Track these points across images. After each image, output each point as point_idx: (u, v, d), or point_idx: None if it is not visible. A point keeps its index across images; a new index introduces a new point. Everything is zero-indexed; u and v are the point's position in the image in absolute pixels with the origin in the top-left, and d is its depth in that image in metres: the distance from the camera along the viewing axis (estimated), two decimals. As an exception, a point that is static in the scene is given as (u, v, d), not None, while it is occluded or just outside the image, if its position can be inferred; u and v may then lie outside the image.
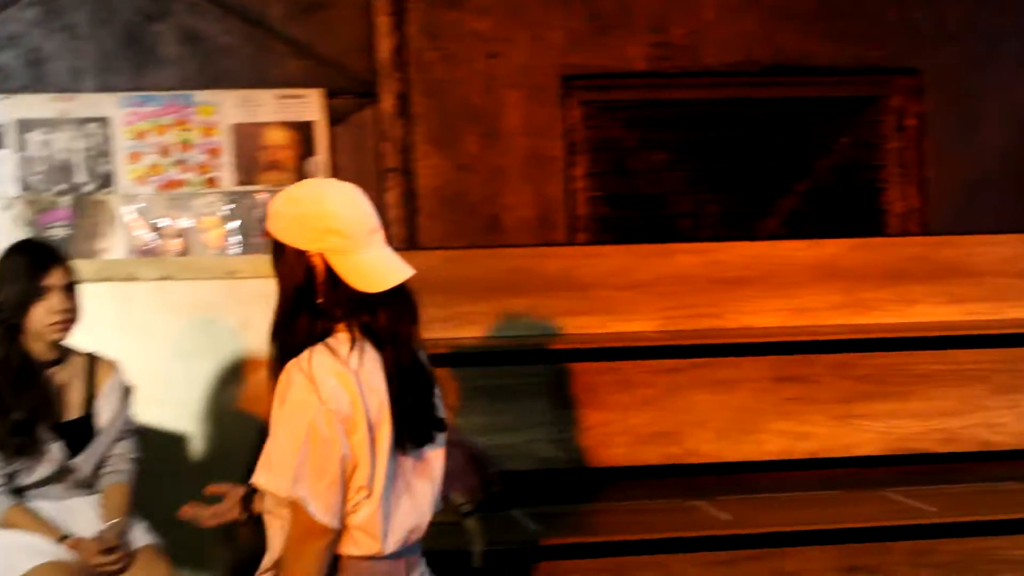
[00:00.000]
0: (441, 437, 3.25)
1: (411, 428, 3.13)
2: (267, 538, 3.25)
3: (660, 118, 6.61)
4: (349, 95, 6.38)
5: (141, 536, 4.27)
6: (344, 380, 3.03)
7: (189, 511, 3.51)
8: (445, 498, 4.69)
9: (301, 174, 6.23)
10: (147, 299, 5.94)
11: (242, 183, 6.20)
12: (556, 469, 5.50)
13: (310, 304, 3.12)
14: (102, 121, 6.11)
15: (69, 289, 4.27)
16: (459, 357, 5.55)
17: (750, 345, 5.64)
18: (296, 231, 3.12)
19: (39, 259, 4.25)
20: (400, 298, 3.16)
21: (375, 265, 3.12)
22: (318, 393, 3.00)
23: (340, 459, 3.02)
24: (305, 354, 3.05)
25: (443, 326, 5.75)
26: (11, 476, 4.22)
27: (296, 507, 3.04)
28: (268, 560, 3.22)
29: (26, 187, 6.06)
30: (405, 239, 6.33)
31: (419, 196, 6.38)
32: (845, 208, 6.67)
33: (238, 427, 5.15)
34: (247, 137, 6.22)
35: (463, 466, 5.05)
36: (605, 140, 6.57)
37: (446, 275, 5.86)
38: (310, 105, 6.28)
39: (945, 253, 6.13)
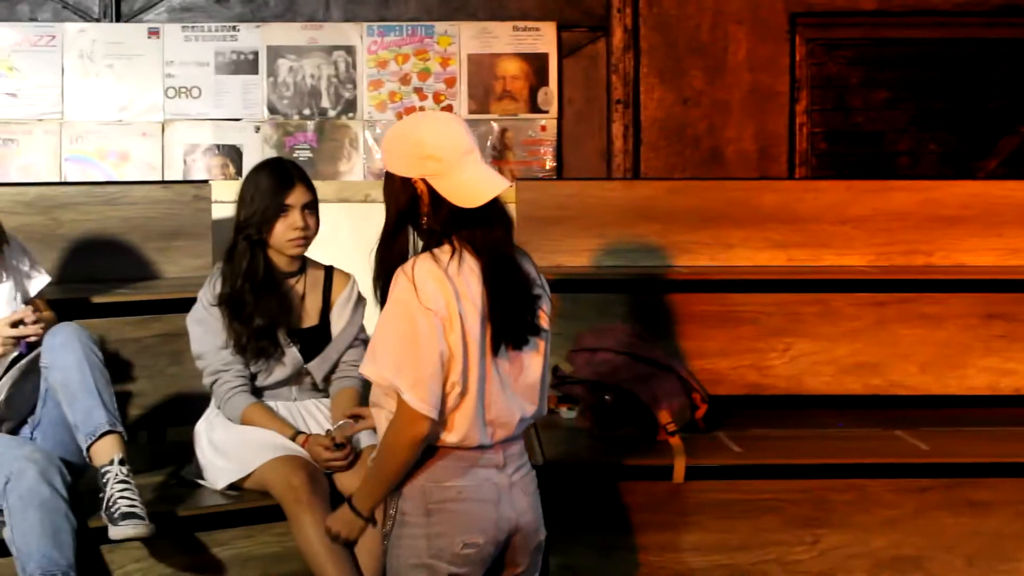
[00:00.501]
0: (536, 341, 3.58)
1: (507, 332, 3.48)
2: (376, 430, 3.65)
3: (884, 57, 6.65)
4: (581, 28, 6.60)
5: (366, 437, 4.62)
6: (441, 285, 3.40)
7: None
8: (650, 415, 5.05)
9: (533, 104, 6.48)
10: (382, 220, 6.30)
11: (476, 111, 6.47)
12: (761, 396, 5.75)
13: (414, 226, 3.52)
14: (347, 50, 6.44)
15: (309, 207, 4.63)
16: (673, 284, 5.81)
17: (957, 282, 5.77)
18: (400, 161, 3.50)
19: (282, 178, 4.59)
20: (495, 212, 3.50)
21: (472, 183, 3.46)
22: (418, 295, 3.36)
23: (438, 354, 3.38)
24: (411, 260, 3.44)
25: (660, 254, 6.01)
26: (251, 377, 4.61)
27: (398, 397, 3.40)
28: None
29: (274, 111, 6.42)
30: (628, 169, 6.53)
31: (644, 128, 6.56)
32: (1067, 150, 6.70)
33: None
34: (482, 67, 6.48)
35: (672, 387, 5.31)
36: (828, 77, 6.65)
37: (666, 205, 6.11)
38: (543, 37, 6.51)
39: None
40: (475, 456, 3.55)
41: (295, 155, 6.34)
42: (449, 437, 3.51)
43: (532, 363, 3.64)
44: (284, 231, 4.57)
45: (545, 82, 6.50)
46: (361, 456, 4.52)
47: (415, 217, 3.51)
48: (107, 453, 4.25)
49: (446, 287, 3.43)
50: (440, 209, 3.47)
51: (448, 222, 3.48)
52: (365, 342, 4.79)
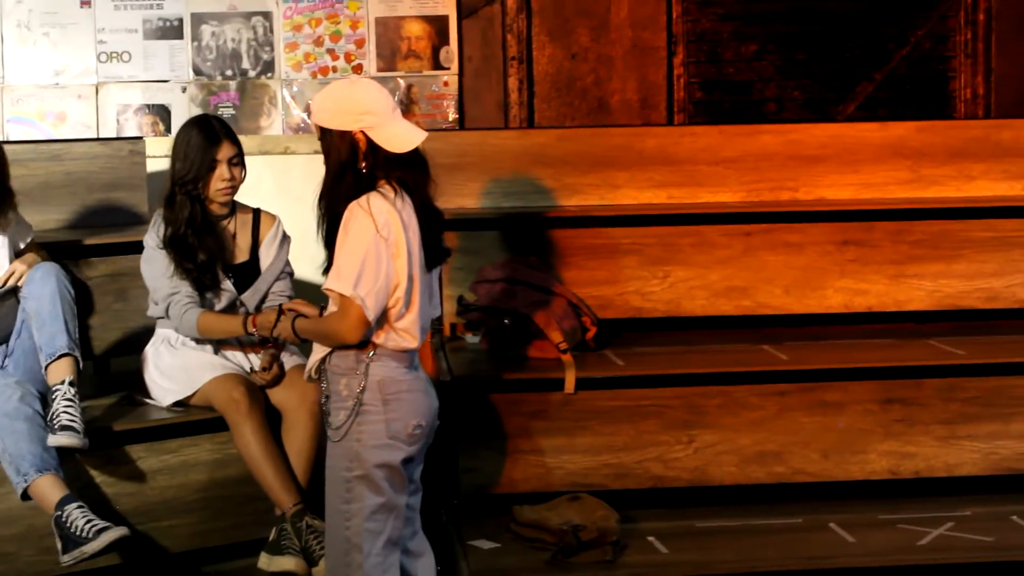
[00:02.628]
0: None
1: (433, 255, 4.24)
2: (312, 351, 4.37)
3: (752, 13, 7.15)
4: (478, -8, 7.15)
5: (294, 357, 5.27)
6: (392, 216, 4.12)
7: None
8: (543, 336, 5.69)
9: (436, 62, 7.04)
10: (301, 170, 6.86)
11: (384, 69, 6.99)
12: (644, 318, 6.34)
13: (355, 171, 4.18)
14: (264, 15, 6.94)
15: (234, 160, 5.25)
16: (564, 221, 6.39)
17: (815, 213, 6.37)
18: (340, 118, 4.21)
19: (210, 136, 5.21)
20: (419, 159, 4.23)
21: (401, 133, 4.21)
22: (375, 224, 4.05)
23: (386, 274, 4.11)
24: (364, 197, 4.15)
25: (553, 195, 6.61)
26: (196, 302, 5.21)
27: (351, 305, 4.10)
28: (317, 357, 4.29)
29: (199, 72, 6.95)
30: (524, 119, 7.04)
31: (536, 82, 7.06)
32: (918, 95, 7.23)
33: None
34: (388, 29, 7.01)
35: (563, 311, 5.94)
36: (702, 32, 7.15)
37: (558, 151, 6.64)
38: (444, 1, 7.07)
39: (1004, 135, 6.77)
40: (412, 356, 4.28)
41: (219, 112, 6.84)
42: (400, 342, 4.21)
43: (434, 277, 4.39)
44: (214, 183, 5.20)
45: (446, 41, 7.05)
46: (288, 373, 5.16)
47: (355, 164, 4.16)
48: (61, 373, 4.87)
49: (395, 219, 4.12)
50: (377, 155, 4.15)
51: (384, 165, 4.15)
52: (290, 275, 5.43)
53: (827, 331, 6.30)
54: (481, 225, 6.30)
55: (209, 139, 5.19)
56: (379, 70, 6.98)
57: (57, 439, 4.73)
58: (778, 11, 7.20)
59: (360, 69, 6.98)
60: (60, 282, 4.99)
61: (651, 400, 5.58)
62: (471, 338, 6.14)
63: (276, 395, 5.13)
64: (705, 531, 5.28)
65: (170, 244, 5.15)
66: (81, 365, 4.96)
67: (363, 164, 4.19)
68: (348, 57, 7.01)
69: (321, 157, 6.72)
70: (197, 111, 6.87)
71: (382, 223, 4.11)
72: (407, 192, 4.22)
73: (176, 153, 5.21)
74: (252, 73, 6.97)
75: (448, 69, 7.05)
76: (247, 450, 4.97)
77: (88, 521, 4.63)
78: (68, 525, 4.63)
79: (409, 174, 4.23)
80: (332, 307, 4.24)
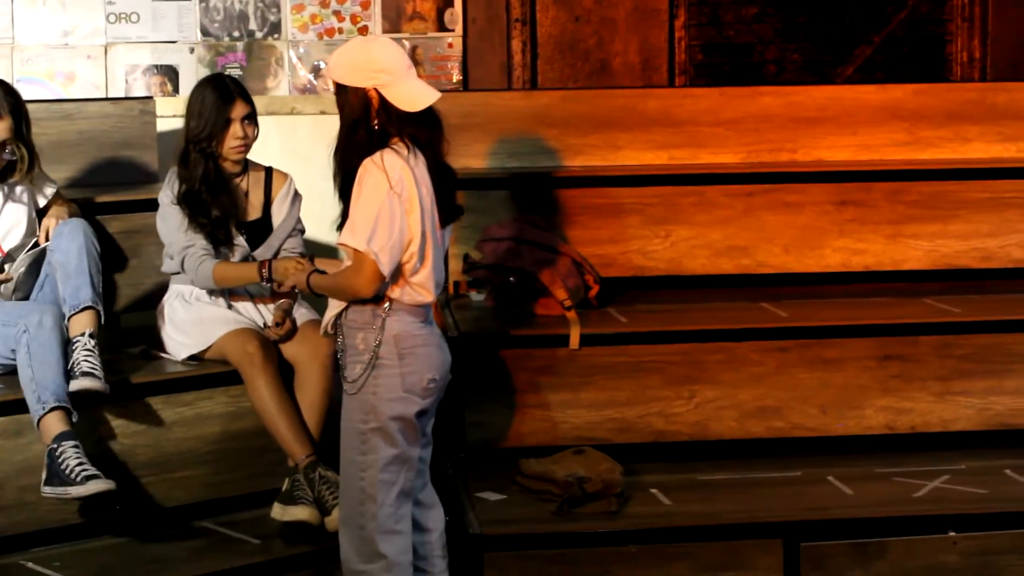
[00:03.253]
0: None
1: (447, 212, 4.34)
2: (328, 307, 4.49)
3: None
4: (484, -46, 7.23)
5: (307, 312, 5.39)
6: (406, 173, 4.22)
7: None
8: (548, 293, 5.81)
9: (440, 23, 7.13)
10: (307, 130, 6.96)
11: (389, 31, 7.05)
12: (646, 277, 6.47)
13: (367, 128, 4.27)
14: (271, -23, 7.08)
15: (248, 119, 5.35)
16: (569, 180, 6.51)
17: (815, 173, 6.49)
18: (354, 73, 4.30)
19: (224, 94, 5.31)
20: (432, 116, 4.30)
21: (415, 91, 4.30)
22: (389, 180, 4.16)
23: (400, 230, 4.21)
24: (378, 154, 4.24)
25: (556, 155, 6.73)
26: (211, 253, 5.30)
27: (365, 259, 4.20)
28: (333, 312, 4.40)
29: (207, 33, 7.03)
30: (527, 81, 7.12)
31: (540, 43, 7.15)
32: (915, 58, 7.31)
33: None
34: (394, -10, 7.15)
35: (568, 270, 6.06)
36: None
37: (561, 112, 6.76)
38: (449, -38, 7.15)
39: (1000, 98, 6.89)
40: (427, 310, 4.40)
41: (227, 73, 6.94)
42: (415, 296, 4.32)
43: (447, 233, 4.49)
44: (228, 140, 5.30)
45: (451, 3, 7.12)
46: (301, 328, 5.28)
47: (368, 120, 4.26)
48: (82, 325, 4.98)
49: (408, 175, 4.22)
50: (389, 113, 4.24)
51: (396, 123, 4.25)
52: (302, 232, 5.54)
53: (825, 290, 6.43)
54: (486, 185, 6.40)
55: (223, 97, 5.28)
56: (384, 31, 7.04)
57: (79, 383, 4.84)
58: (778, -26, 7.29)
59: (366, 31, 7.06)
60: (87, 237, 5.11)
61: (653, 356, 5.70)
62: (476, 296, 6.26)
63: (289, 349, 5.24)
64: (706, 484, 5.42)
65: (184, 200, 5.25)
66: (103, 319, 5.07)
67: (375, 121, 4.28)
68: (354, 19, 7.09)
69: (327, 117, 6.95)
70: (205, 72, 6.95)
71: (395, 179, 4.21)
72: (420, 149, 4.32)
73: (191, 111, 5.31)
74: (259, 34, 7.05)
75: (452, 31, 7.13)
76: (261, 403, 5.08)
77: (80, 463, 4.73)
78: (60, 461, 4.73)
79: (422, 131, 4.32)
80: (347, 261, 4.35)
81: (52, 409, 4.80)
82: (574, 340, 5.65)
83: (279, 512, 5.06)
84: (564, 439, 5.62)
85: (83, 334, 4.96)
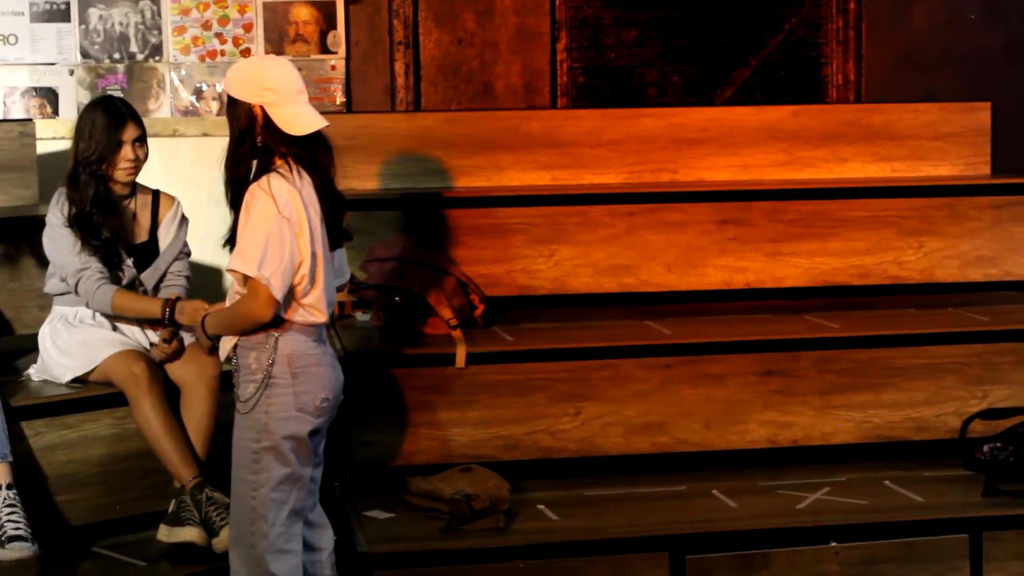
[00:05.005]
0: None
1: (334, 234, 4.37)
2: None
3: (632, 0, 7.37)
4: (364, -22, 7.25)
5: (191, 335, 5.35)
6: (293, 196, 4.24)
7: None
8: (434, 313, 5.83)
9: (324, 46, 7.14)
10: (189, 152, 6.93)
11: (272, 53, 7.09)
12: (530, 296, 6.52)
13: (252, 143, 4.30)
14: (152, -1, 7.05)
15: (139, 141, 5.32)
16: (454, 201, 6.54)
17: (696, 193, 6.59)
18: (243, 88, 4.33)
19: (115, 117, 5.26)
20: (320, 140, 4.32)
21: (299, 116, 4.31)
22: (276, 204, 4.17)
23: (290, 253, 4.23)
24: (264, 178, 4.27)
25: (441, 177, 6.76)
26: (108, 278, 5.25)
27: (257, 285, 4.21)
28: (228, 347, 4.40)
29: (87, 55, 6.98)
30: (410, 103, 7.17)
31: (423, 66, 7.20)
32: (792, 80, 7.46)
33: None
34: (276, 14, 7.09)
35: (453, 289, 6.08)
36: (585, 19, 7.31)
37: (445, 134, 6.82)
38: (331, -15, 7.17)
39: (875, 119, 7.08)
40: (320, 330, 4.40)
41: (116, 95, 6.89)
42: (308, 317, 4.32)
43: (340, 259, 4.54)
44: (119, 163, 5.26)
45: (334, 26, 7.15)
46: (187, 349, 5.25)
47: (252, 135, 4.27)
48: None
49: (296, 198, 4.23)
50: (272, 132, 4.26)
51: (280, 142, 4.26)
52: (188, 255, 5.51)
53: (707, 307, 6.52)
54: (372, 205, 6.42)
55: (114, 119, 5.25)
56: (267, 54, 7.04)
57: (6, 553, 4.73)
58: (658, -2, 7.40)
59: (248, 53, 7.06)
60: None
61: (540, 374, 5.74)
62: (361, 316, 6.26)
63: (175, 370, 5.21)
64: (593, 499, 5.46)
65: (76, 222, 5.20)
66: (12, 461, 4.91)
67: (259, 137, 4.29)
68: (236, 41, 7.08)
69: (209, 139, 6.94)
70: (85, 94, 6.92)
71: (283, 203, 4.22)
72: (305, 170, 4.33)
73: (80, 133, 5.26)
74: (140, 56, 7.02)
75: (335, 53, 7.15)
76: (147, 424, 5.04)
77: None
78: None
79: (306, 152, 4.33)
80: (236, 287, 4.34)
81: None
82: (460, 359, 5.68)
83: (165, 534, 5.02)
84: (452, 457, 5.63)
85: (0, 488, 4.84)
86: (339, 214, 4.48)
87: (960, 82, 7.50)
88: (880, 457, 5.88)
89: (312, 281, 4.32)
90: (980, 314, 6.25)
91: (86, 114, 5.32)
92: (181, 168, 6.79)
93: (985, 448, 5.69)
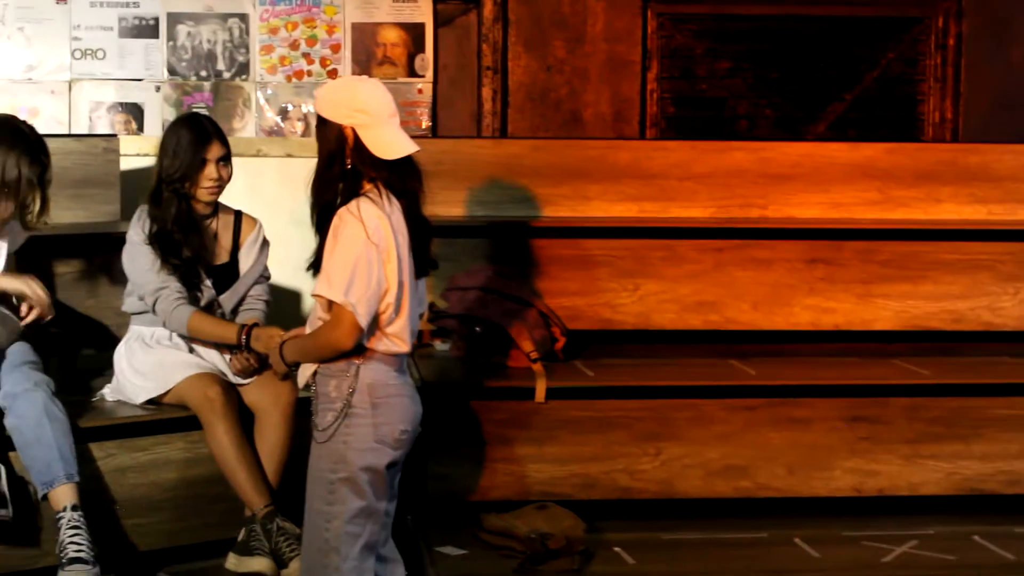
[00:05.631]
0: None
1: (422, 262, 4.25)
2: None
3: (726, 30, 7.22)
4: (455, 1, 7.17)
5: (272, 359, 5.28)
6: (382, 222, 4.12)
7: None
8: (515, 345, 5.74)
9: (411, 69, 7.08)
10: (273, 173, 6.88)
11: (358, 75, 7.03)
12: (613, 330, 6.39)
13: (341, 165, 4.18)
14: (241, 17, 6.97)
15: (223, 160, 5.26)
16: (538, 230, 6.45)
17: (785, 230, 6.45)
18: (334, 109, 4.21)
19: (201, 134, 5.21)
20: (410, 165, 4.20)
21: (391, 139, 4.19)
22: (366, 230, 4.06)
23: (377, 281, 4.11)
24: (354, 203, 4.15)
25: (526, 205, 6.67)
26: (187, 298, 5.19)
27: (343, 312, 4.09)
28: (308, 374, 4.28)
29: (173, 72, 6.95)
30: (497, 129, 7.08)
31: (511, 92, 7.11)
32: (887, 117, 7.31)
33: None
34: (364, 35, 7.05)
35: (535, 321, 5.99)
36: (676, 48, 7.22)
37: (531, 162, 6.71)
38: (421, 8, 7.06)
39: (971, 159, 6.90)
40: (401, 360, 4.28)
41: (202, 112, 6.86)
42: (391, 346, 4.21)
43: (422, 283, 4.40)
44: (203, 181, 5.21)
45: (422, 49, 7.09)
46: (263, 373, 5.17)
47: (342, 158, 4.18)
48: (62, 501, 4.77)
49: (385, 224, 4.13)
50: (363, 155, 4.16)
51: (370, 166, 4.16)
52: (267, 278, 5.44)
53: (794, 348, 6.37)
54: (454, 232, 6.32)
55: (199, 138, 5.19)
56: (354, 75, 6.97)
57: (67, 574, 4.67)
58: (752, 29, 7.28)
59: (335, 74, 7.00)
60: (47, 399, 4.88)
61: (620, 411, 5.62)
62: (440, 345, 6.17)
63: (250, 395, 5.14)
64: (671, 543, 5.32)
65: (157, 240, 5.15)
66: (80, 482, 4.84)
67: (349, 160, 4.20)
68: (324, 62, 7.03)
69: (293, 160, 6.88)
70: (170, 111, 6.89)
71: (372, 228, 4.12)
72: (395, 196, 4.23)
73: (165, 150, 5.21)
74: (227, 74, 6.98)
75: (423, 77, 7.08)
76: (220, 450, 4.97)
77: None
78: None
79: (396, 178, 4.23)
80: (320, 312, 4.24)
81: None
82: (540, 393, 5.57)
83: (234, 563, 4.95)
84: (528, 494, 5.52)
85: (65, 509, 4.75)
86: (426, 242, 4.36)
87: (1060, 123, 7.32)
88: (970, 510, 5.70)
89: (397, 310, 4.21)
90: (1077, 365, 6.07)
91: (171, 131, 5.26)
92: (264, 189, 6.73)
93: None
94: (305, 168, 6.71)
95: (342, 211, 4.16)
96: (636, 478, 5.62)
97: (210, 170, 5.20)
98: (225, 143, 5.27)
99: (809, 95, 7.31)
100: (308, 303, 6.85)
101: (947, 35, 7.33)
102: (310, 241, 6.72)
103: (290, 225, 6.62)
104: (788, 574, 5.02)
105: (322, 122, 4.26)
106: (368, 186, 4.21)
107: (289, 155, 6.92)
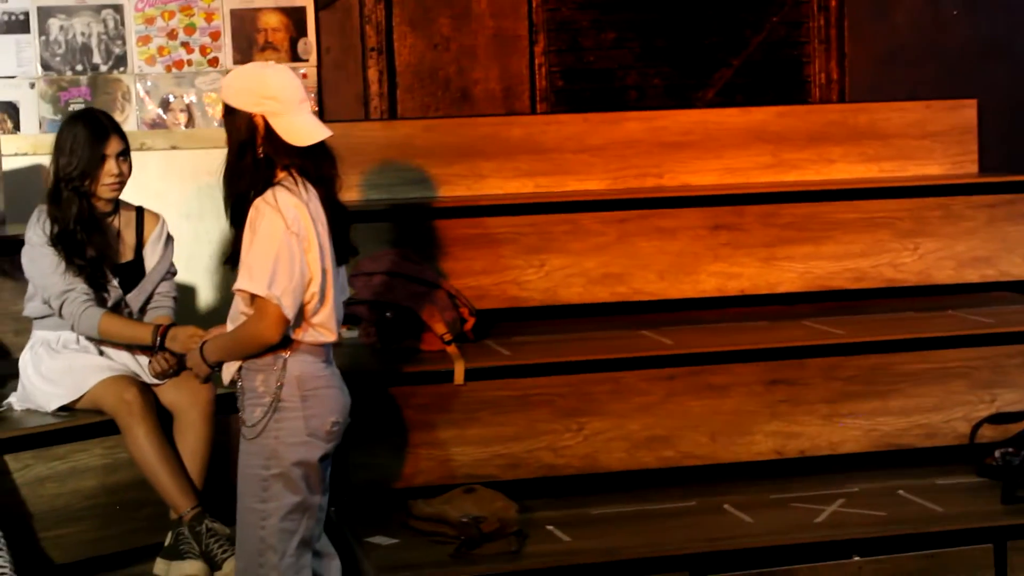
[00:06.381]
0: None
1: (343, 250, 4.16)
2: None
3: (610, 1, 7.16)
4: (334, -19, 7.04)
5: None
6: (300, 210, 4.02)
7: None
8: (426, 328, 5.64)
9: (294, 54, 6.92)
10: (157, 167, 6.69)
11: (241, 62, 6.82)
12: (521, 308, 6.32)
13: (253, 155, 4.06)
14: (115, 8, 6.76)
15: (122, 155, 5.09)
16: (437, 211, 6.34)
17: (689, 198, 6.43)
18: (242, 97, 4.09)
19: (98, 130, 5.03)
20: (324, 151, 4.10)
21: (303, 126, 4.09)
22: (284, 220, 3.95)
23: (300, 271, 4.00)
24: (269, 192, 4.04)
25: (421, 186, 6.57)
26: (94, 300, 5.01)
27: (267, 305, 3.98)
28: (232, 370, 4.16)
29: (48, 67, 6.72)
30: (385, 111, 6.96)
31: (398, 72, 7.02)
32: (774, 80, 7.31)
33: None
34: (244, 21, 6.88)
35: (444, 303, 5.89)
36: (562, 21, 7.13)
37: (423, 142, 6.62)
38: (299, -8, 6.96)
39: (860, 118, 6.94)
40: (328, 351, 4.18)
41: (70, 109, 6.64)
42: (317, 336, 4.10)
43: (344, 276, 4.31)
44: (103, 178, 5.03)
45: (304, 33, 6.94)
46: (182, 373, 5.01)
47: (253, 147, 4.04)
48: None
49: (304, 212, 4.01)
50: (275, 143, 4.03)
51: (283, 153, 4.04)
52: (174, 274, 5.28)
53: (702, 315, 6.34)
54: (354, 218, 6.07)
55: (97, 133, 5.01)
56: (235, 63, 6.82)
57: None
58: (636, -1, 7.24)
59: (216, 62, 6.83)
60: None
61: (540, 389, 5.55)
62: (347, 333, 6.03)
63: (167, 395, 4.98)
64: (602, 518, 5.27)
65: (59, 241, 4.96)
66: None
67: (261, 149, 4.07)
68: (204, 50, 6.85)
69: (178, 153, 6.70)
70: (47, 107, 6.67)
71: (291, 218, 4.00)
72: (310, 183, 4.12)
73: (61, 148, 5.02)
74: (103, 68, 6.76)
75: (306, 61, 6.93)
76: (140, 453, 4.81)
77: None
78: None
79: (310, 164, 4.12)
80: (242, 307, 4.11)
81: None
82: (459, 375, 5.48)
83: (163, 568, 4.79)
84: (453, 477, 5.43)
85: None
86: (346, 228, 4.27)
87: (943, 78, 7.38)
88: (889, 465, 5.73)
89: (322, 299, 4.11)
90: (982, 316, 6.12)
91: (67, 128, 5.07)
92: (149, 183, 6.52)
93: (996, 454, 5.57)
94: (191, 160, 6.72)
95: (258, 202, 4.04)
96: (560, 455, 5.56)
97: (110, 166, 5.03)
98: (123, 137, 5.10)
99: (696, 62, 7.27)
100: (203, 298, 6.70)
101: (829, -4, 7.35)
102: (200, 234, 6.66)
103: (179, 219, 6.51)
104: (727, 540, 4.99)
105: (230, 111, 4.12)
106: (282, 174, 4.09)
107: (174, 147, 6.74)
